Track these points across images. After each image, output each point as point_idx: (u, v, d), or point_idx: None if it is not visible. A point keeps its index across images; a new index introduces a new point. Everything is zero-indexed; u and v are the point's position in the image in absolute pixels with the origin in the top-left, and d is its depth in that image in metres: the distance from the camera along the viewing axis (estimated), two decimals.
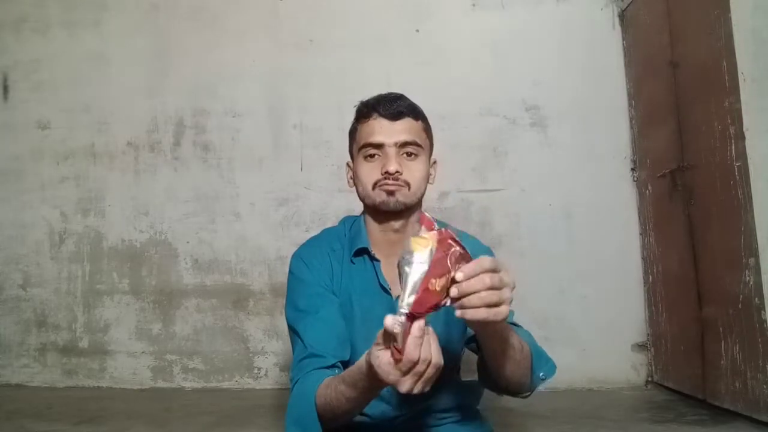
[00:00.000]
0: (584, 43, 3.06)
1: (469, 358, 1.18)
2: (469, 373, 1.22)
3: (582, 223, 2.96)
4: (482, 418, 1.19)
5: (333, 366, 0.99)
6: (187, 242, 3.15)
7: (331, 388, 0.88)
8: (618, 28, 3.07)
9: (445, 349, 1.11)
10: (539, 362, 0.98)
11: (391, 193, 1.05)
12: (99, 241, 3.21)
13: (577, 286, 2.90)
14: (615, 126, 3.01)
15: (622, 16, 3.06)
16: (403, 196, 1.05)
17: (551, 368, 1.01)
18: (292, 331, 1.10)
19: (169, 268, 3.15)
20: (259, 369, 3.03)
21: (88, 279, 3.18)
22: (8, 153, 3.31)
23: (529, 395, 1.02)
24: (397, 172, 1.03)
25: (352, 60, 3.13)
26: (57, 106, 3.31)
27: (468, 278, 0.69)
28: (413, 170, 1.07)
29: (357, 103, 1.15)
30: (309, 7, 3.24)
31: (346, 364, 0.99)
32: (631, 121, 3.01)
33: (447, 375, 1.14)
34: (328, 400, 0.87)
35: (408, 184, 1.06)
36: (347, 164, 1.20)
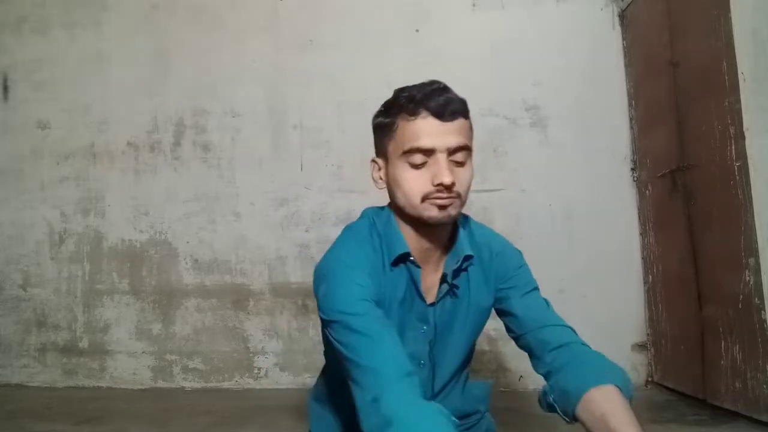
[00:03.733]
0: (584, 43, 3.06)
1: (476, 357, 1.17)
2: (472, 374, 1.22)
3: (582, 223, 2.96)
4: (488, 419, 1.19)
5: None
6: (187, 242, 3.15)
7: None
8: (618, 28, 3.07)
9: (457, 349, 1.08)
10: (626, 386, 0.92)
11: (443, 207, 0.91)
12: (99, 241, 3.21)
13: (577, 286, 2.89)
14: (615, 126, 3.01)
15: (622, 16, 3.06)
16: (454, 210, 0.93)
17: (629, 387, 0.94)
18: (355, 332, 0.87)
19: (169, 268, 3.15)
20: (259, 369, 3.03)
21: (88, 279, 3.18)
22: (8, 153, 3.31)
23: None
24: (453, 184, 0.90)
25: (352, 60, 3.13)
26: (57, 106, 3.31)
27: None
28: (463, 179, 0.94)
29: (397, 92, 0.99)
30: (309, 7, 3.24)
31: None
32: (631, 121, 3.01)
33: (457, 376, 1.12)
34: None
35: (460, 196, 0.93)
36: (374, 161, 1.03)
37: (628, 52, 3.03)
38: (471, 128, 0.99)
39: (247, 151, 3.18)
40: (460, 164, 0.94)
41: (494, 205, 3.01)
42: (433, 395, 1.04)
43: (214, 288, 3.11)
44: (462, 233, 1.03)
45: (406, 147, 0.92)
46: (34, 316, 3.19)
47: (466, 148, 0.94)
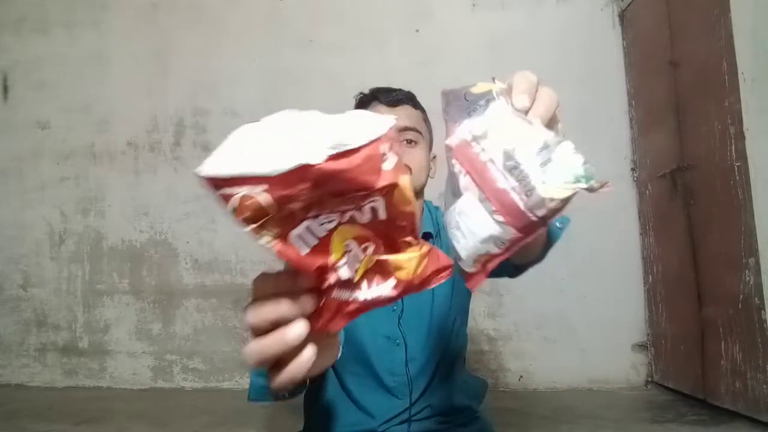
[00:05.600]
0: (584, 43, 3.06)
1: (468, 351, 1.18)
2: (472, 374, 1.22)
3: (582, 223, 2.94)
4: (483, 418, 1.19)
5: None
6: (187, 242, 3.15)
7: None
8: (618, 28, 3.07)
9: (452, 340, 1.09)
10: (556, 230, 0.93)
11: None
12: (99, 241, 3.21)
13: (577, 286, 2.89)
14: (615, 126, 3.01)
15: (622, 16, 3.06)
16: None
17: (563, 218, 0.93)
18: None
19: (169, 268, 3.15)
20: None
21: (88, 279, 3.18)
22: (8, 153, 3.31)
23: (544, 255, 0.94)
24: None
25: (352, 60, 3.13)
26: (57, 106, 3.31)
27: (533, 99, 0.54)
28: (413, 156, 1.04)
29: (357, 94, 1.15)
30: (309, 7, 3.24)
31: None
32: (631, 121, 3.00)
33: (452, 368, 1.11)
34: None
35: (408, 169, 1.02)
36: None
37: (628, 52, 3.03)
38: (424, 120, 1.11)
39: None
40: (411, 144, 1.06)
41: None
42: (408, 379, 1.04)
43: (214, 288, 3.11)
44: (426, 214, 1.14)
45: None
46: (34, 316, 3.19)
47: (414, 130, 1.06)
